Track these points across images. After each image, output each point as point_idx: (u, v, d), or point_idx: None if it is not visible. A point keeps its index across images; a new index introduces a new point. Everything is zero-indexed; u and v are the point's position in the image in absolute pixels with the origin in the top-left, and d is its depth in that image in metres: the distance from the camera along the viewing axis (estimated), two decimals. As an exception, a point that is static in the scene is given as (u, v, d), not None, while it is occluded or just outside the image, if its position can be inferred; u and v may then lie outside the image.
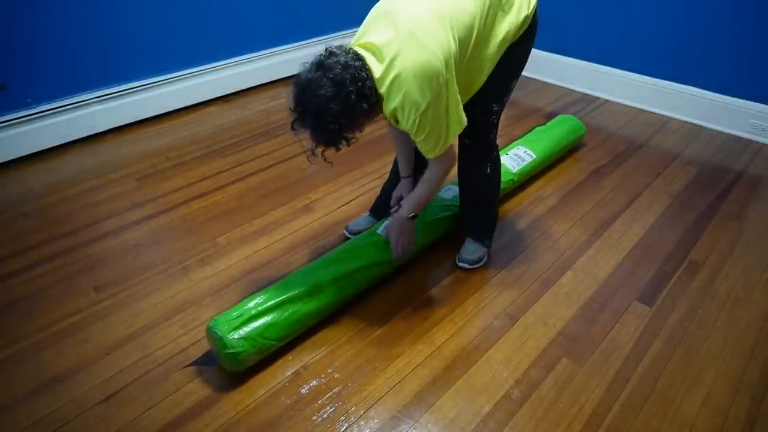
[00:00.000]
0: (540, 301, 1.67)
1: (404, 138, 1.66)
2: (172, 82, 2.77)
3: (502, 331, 1.56)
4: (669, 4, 2.64)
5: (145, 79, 2.67)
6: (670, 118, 2.80)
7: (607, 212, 2.07)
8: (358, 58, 1.28)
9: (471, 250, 1.80)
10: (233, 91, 3.04)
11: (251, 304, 1.43)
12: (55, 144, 2.47)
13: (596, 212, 2.07)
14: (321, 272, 1.53)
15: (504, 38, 1.40)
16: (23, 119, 2.34)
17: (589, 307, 1.65)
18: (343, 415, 1.33)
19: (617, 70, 2.94)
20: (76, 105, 2.47)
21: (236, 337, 1.34)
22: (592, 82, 3.06)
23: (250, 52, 3.03)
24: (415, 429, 1.30)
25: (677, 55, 2.71)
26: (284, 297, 1.44)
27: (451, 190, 1.91)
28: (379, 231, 1.67)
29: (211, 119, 2.79)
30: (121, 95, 2.61)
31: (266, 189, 2.22)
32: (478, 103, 1.53)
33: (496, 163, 1.69)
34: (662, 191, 2.20)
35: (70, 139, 2.51)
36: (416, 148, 1.60)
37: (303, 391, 1.39)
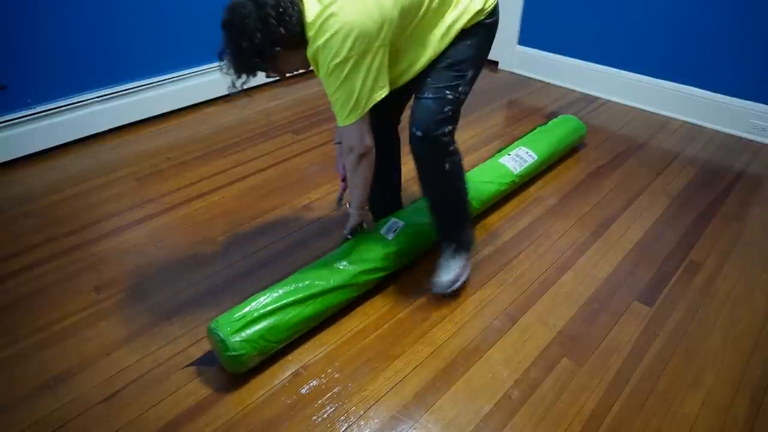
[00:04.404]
0: (540, 301, 1.67)
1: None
2: (172, 82, 2.77)
3: (502, 331, 1.56)
4: (669, 4, 2.64)
5: (145, 79, 2.67)
6: (670, 118, 2.80)
7: (607, 212, 2.07)
8: None
9: (446, 268, 1.63)
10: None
11: (253, 305, 1.42)
12: (55, 144, 2.47)
13: (596, 212, 2.07)
14: (324, 277, 1.53)
15: (453, 23, 1.40)
16: (23, 119, 2.34)
17: (589, 307, 1.65)
18: (343, 415, 1.33)
19: (617, 70, 2.94)
20: (76, 105, 2.47)
21: (238, 339, 1.34)
22: (592, 82, 3.05)
23: (250, 52, 3.03)
24: (415, 429, 1.30)
25: (677, 55, 2.71)
26: (286, 300, 1.44)
27: None
28: (382, 232, 1.67)
29: (211, 119, 2.80)
30: (121, 95, 2.61)
31: (266, 189, 2.22)
32: (428, 86, 1.44)
33: (456, 157, 1.50)
34: (662, 191, 2.20)
35: (70, 139, 2.52)
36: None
37: (303, 391, 1.39)
